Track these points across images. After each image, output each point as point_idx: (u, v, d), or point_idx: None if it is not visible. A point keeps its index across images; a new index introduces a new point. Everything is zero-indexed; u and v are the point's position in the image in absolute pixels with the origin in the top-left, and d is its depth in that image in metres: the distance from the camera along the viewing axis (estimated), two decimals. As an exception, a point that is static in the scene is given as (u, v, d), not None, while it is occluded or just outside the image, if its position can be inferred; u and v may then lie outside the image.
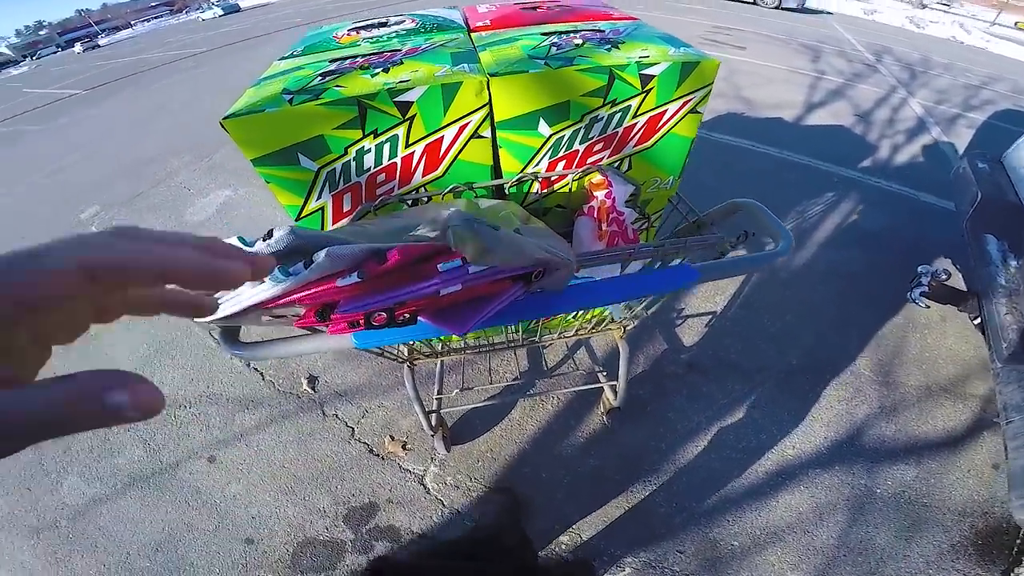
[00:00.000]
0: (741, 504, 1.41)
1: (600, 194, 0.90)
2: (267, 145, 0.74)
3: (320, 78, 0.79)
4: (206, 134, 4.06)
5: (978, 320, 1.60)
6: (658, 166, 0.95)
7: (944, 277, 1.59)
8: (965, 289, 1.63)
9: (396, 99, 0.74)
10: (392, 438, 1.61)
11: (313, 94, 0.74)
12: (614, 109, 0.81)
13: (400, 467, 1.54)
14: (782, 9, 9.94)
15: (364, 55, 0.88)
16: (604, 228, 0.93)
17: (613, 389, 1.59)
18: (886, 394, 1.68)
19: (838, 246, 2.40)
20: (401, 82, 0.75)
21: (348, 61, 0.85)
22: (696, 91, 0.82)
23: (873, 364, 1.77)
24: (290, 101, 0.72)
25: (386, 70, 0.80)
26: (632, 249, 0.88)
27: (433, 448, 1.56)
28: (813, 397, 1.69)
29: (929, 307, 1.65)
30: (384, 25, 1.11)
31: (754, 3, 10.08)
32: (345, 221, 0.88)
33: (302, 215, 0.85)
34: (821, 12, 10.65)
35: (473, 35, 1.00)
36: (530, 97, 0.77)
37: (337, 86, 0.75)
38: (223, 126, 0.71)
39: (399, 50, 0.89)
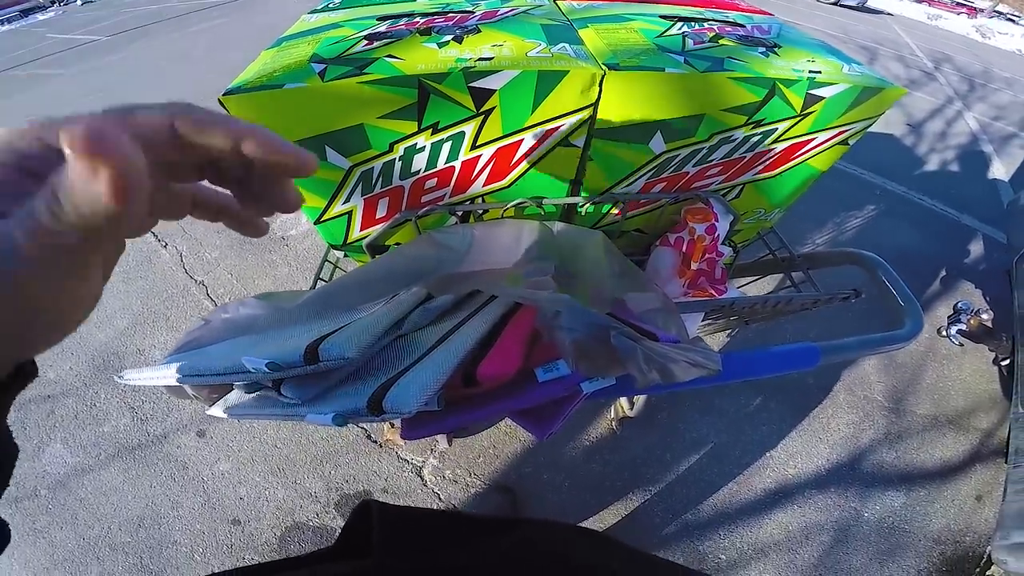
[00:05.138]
0: (734, 519, 1.41)
1: (700, 228, 0.72)
2: (283, 133, 0.51)
3: (365, 42, 0.54)
4: (219, 86, 4.13)
5: (1007, 362, 1.55)
6: (771, 197, 0.76)
7: (985, 317, 1.51)
8: (991, 327, 1.56)
9: (472, 84, 0.51)
10: (392, 425, 1.50)
11: (355, 66, 0.50)
12: (755, 131, 0.60)
13: (398, 456, 1.46)
14: (841, 6, 9.18)
15: (425, 13, 0.62)
16: (693, 266, 0.76)
17: (630, 398, 1.50)
18: (894, 421, 1.67)
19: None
20: (482, 60, 0.52)
21: (404, 21, 0.60)
22: (861, 121, 0.62)
23: (887, 390, 1.74)
24: (321, 74, 0.49)
25: (459, 39, 0.55)
26: (734, 301, 0.73)
27: (434, 439, 1.47)
28: (824, 418, 1.66)
29: (963, 345, 1.59)
30: None
31: (813, -5, 9.30)
32: (378, 228, 0.68)
33: (322, 219, 0.64)
34: (881, 12, 9.87)
35: (561, 3, 0.73)
36: (655, 104, 0.55)
37: (390, 56, 0.51)
38: (221, 103, 0.48)
39: (471, 12, 0.63)
